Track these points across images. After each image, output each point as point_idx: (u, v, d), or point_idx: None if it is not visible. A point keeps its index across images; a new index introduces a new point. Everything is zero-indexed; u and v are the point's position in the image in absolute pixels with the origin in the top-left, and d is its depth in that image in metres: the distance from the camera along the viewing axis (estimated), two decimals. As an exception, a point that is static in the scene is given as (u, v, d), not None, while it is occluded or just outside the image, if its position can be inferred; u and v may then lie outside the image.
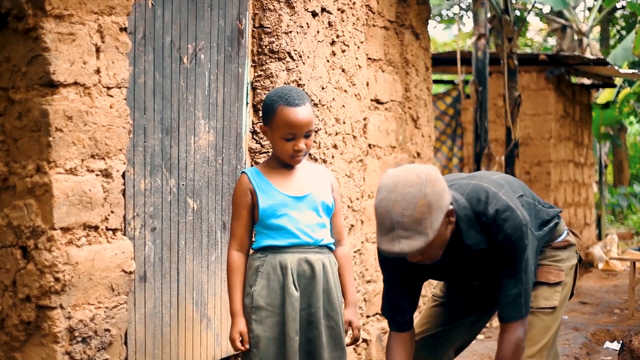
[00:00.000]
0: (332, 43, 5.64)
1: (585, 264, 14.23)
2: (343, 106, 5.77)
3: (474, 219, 3.36)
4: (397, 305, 3.65)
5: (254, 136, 4.85)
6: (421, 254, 3.20)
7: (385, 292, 3.69)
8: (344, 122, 5.78)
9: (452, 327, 3.85)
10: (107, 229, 3.53)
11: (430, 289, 6.77)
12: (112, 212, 3.54)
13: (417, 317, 3.97)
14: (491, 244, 3.37)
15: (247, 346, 3.65)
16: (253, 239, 3.79)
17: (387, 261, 3.61)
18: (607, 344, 7.94)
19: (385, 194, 3.15)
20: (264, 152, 4.81)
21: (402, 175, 3.17)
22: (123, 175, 3.64)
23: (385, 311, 3.70)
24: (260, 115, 4.77)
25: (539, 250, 3.65)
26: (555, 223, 3.75)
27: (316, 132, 5.23)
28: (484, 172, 3.68)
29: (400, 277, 3.61)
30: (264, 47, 4.89)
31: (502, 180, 3.52)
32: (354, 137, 5.94)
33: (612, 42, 24.13)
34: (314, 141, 5.21)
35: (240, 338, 3.66)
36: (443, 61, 13.00)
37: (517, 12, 18.91)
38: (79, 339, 3.38)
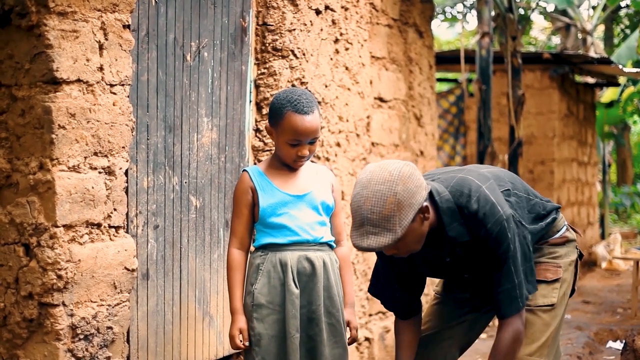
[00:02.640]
0: (336, 41, 5.64)
1: (589, 263, 14.22)
2: (346, 104, 5.77)
3: (456, 212, 3.38)
4: (387, 292, 3.71)
5: (257, 134, 4.85)
6: (396, 248, 3.27)
7: (378, 276, 3.76)
8: (347, 120, 5.78)
9: (454, 325, 3.85)
10: (110, 227, 3.53)
11: (432, 287, 6.77)
12: (114, 209, 3.54)
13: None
14: (474, 237, 3.39)
15: (247, 344, 3.65)
16: (254, 237, 3.79)
17: (381, 267, 3.68)
18: (610, 344, 7.93)
19: (359, 190, 3.22)
20: (267, 150, 4.81)
21: (376, 172, 3.23)
22: (126, 173, 3.63)
23: (373, 292, 3.77)
24: (264, 113, 4.78)
25: (534, 242, 3.63)
26: (553, 218, 3.73)
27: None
28: (473, 166, 3.71)
29: (389, 266, 3.66)
30: (267, 44, 4.89)
31: (489, 174, 3.53)
32: (357, 135, 5.93)
33: (616, 40, 24.10)
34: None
35: (240, 336, 3.66)
36: (446, 59, 12.99)
37: (521, 11, 18.89)
38: (82, 336, 3.38)
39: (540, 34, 28.36)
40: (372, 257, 6.28)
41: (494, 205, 3.36)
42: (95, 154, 3.43)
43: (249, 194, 3.70)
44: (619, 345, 7.69)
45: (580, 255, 3.85)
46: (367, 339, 6.22)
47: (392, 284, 3.69)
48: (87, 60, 3.38)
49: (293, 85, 4.99)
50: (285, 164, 3.74)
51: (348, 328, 3.86)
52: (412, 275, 3.67)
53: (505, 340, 3.44)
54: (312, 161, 3.92)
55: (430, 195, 3.36)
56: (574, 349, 7.31)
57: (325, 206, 3.77)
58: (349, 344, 3.86)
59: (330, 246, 3.81)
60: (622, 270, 13.82)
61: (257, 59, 4.89)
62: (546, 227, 3.70)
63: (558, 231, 3.76)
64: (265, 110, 4.81)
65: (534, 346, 3.59)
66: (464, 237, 3.39)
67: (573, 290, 3.79)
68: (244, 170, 3.77)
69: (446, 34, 24.43)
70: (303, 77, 5.09)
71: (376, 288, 3.78)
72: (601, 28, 24.27)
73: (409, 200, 3.16)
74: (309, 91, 3.95)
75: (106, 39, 3.47)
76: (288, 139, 3.64)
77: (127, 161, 3.60)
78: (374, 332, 6.28)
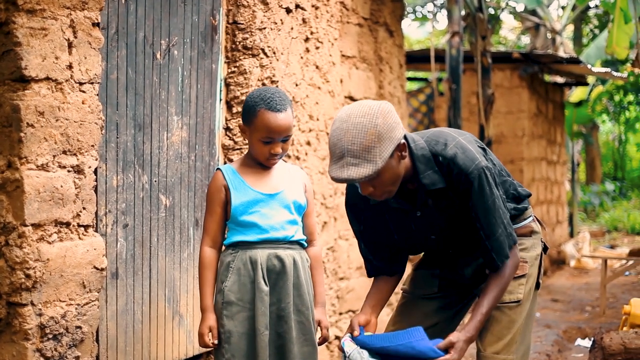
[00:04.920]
0: (306, 40, 5.64)
1: (558, 262, 14.30)
2: (317, 103, 5.77)
3: (431, 159, 3.40)
4: (364, 251, 3.74)
5: (227, 133, 4.84)
6: (372, 186, 3.30)
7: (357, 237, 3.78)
8: (317, 119, 5.78)
9: (425, 328, 3.80)
10: (79, 226, 3.51)
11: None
12: (83, 208, 3.52)
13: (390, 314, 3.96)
14: (452, 187, 3.40)
15: (215, 342, 3.66)
16: (225, 235, 3.79)
17: (350, 208, 3.65)
18: (579, 341, 7.98)
19: (338, 124, 3.25)
20: (237, 149, 4.80)
21: (355, 107, 3.27)
22: (95, 172, 3.62)
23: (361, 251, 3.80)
24: (234, 112, 4.77)
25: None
26: (524, 207, 3.73)
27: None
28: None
29: (361, 226, 3.66)
30: (237, 43, 4.88)
31: (466, 133, 3.55)
32: (328, 134, 5.94)
33: (585, 40, 24.27)
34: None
35: (210, 334, 3.66)
36: (417, 59, 13.02)
37: (491, 10, 18.96)
38: (50, 336, 3.36)
39: (509, 33, 28.50)
40: (343, 255, 6.28)
41: (472, 152, 3.38)
42: (64, 152, 3.41)
43: (222, 192, 3.71)
44: (587, 343, 7.74)
45: (545, 249, 3.82)
46: (337, 337, 6.23)
47: (365, 241, 3.70)
48: (56, 58, 3.36)
49: (263, 84, 4.99)
50: (258, 162, 3.75)
51: (319, 327, 3.86)
52: (381, 236, 3.66)
53: (509, 273, 3.48)
54: (284, 160, 3.93)
55: (406, 140, 3.38)
56: (543, 347, 7.36)
57: (297, 205, 3.78)
58: (321, 343, 3.86)
59: (302, 245, 3.82)
60: (590, 268, 13.91)
61: (227, 57, 4.89)
62: (515, 211, 3.68)
63: (525, 219, 3.74)
64: (235, 109, 4.81)
65: (501, 344, 3.57)
66: (438, 184, 3.40)
67: (538, 285, 3.75)
68: (218, 168, 3.77)
69: (416, 33, 24.51)
70: (273, 75, 5.09)
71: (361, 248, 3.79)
72: (570, 28, 24.42)
73: (388, 133, 3.20)
74: (282, 90, 3.95)
75: (75, 37, 3.45)
76: (261, 136, 3.65)
77: (96, 160, 3.58)
78: (345, 330, 6.29)
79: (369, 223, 3.64)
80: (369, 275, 3.78)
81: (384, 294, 3.72)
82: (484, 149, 3.53)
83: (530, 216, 3.77)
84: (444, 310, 3.79)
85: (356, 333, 3.52)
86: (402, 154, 3.31)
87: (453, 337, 3.40)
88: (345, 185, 3.72)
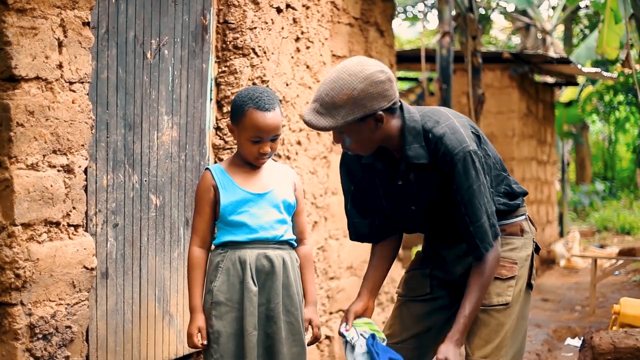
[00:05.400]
0: (297, 39, 5.64)
1: (548, 261, 14.33)
2: (307, 103, 5.77)
3: (420, 133, 3.41)
4: (350, 212, 3.75)
5: (218, 132, 4.84)
6: (339, 139, 3.40)
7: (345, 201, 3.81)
8: (308, 119, 5.77)
9: (419, 333, 3.77)
10: (69, 225, 3.51)
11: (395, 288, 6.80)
12: (73, 208, 3.51)
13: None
14: (434, 163, 3.41)
15: (204, 342, 3.65)
16: (215, 235, 3.79)
17: (344, 166, 3.70)
18: (569, 341, 8.00)
19: (333, 70, 3.34)
20: (228, 149, 4.80)
21: (354, 63, 3.34)
22: (85, 171, 3.61)
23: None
24: (224, 111, 4.77)
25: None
26: (516, 204, 3.68)
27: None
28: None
29: (352, 185, 3.69)
30: (228, 43, 4.88)
31: (464, 117, 3.56)
32: (318, 133, 5.94)
33: (575, 40, 24.32)
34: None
35: (199, 334, 3.65)
36: (407, 58, 13.04)
37: (482, 11, 18.97)
38: (40, 335, 3.35)
39: (500, 33, 28.54)
40: (333, 255, 6.29)
41: (462, 135, 3.38)
42: (54, 152, 3.40)
43: (211, 192, 3.70)
44: (577, 342, 7.76)
45: (537, 249, 3.77)
46: (327, 337, 6.23)
47: (355, 205, 3.71)
48: (46, 57, 3.36)
49: (254, 84, 4.98)
50: (247, 162, 3.74)
51: (310, 326, 3.86)
52: (370, 197, 3.66)
53: (489, 270, 3.46)
54: (273, 160, 3.92)
55: (402, 111, 3.42)
56: (533, 346, 7.38)
57: (286, 205, 3.77)
58: (312, 342, 3.86)
59: (291, 245, 3.81)
60: (580, 268, 13.95)
61: (217, 57, 4.88)
62: (505, 207, 3.63)
63: (516, 217, 3.69)
64: (225, 109, 4.81)
65: (489, 348, 3.53)
66: (422, 159, 3.41)
67: (531, 285, 3.70)
68: (207, 168, 3.77)
69: (407, 33, 24.51)
70: (264, 75, 5.09)
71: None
72: (561, 28, 24.48)
73: (363, 101, 3.26)
74: (271, 90, 3.95)
75: (65, 37, 3.44)
76: (250, 136, 3.65)
77: (86, 159, 3.58)
78: (335, 330, 6.29)
79: (360, 183, 3.65)
80: (352, 238, 3.80)
81: (381, 275, 3.74)
82: (478, 137, 3.51)
83: (522, 215, 3.72)
84: (438, 312, 3.74)
85: (349, 327, 3.54)
86: (377, 125, 3.34)
87: (441, 353, 3.39)
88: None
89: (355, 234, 3.77)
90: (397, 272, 7.31)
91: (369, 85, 3.26)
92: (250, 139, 3.65)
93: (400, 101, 3.44)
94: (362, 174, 3.62)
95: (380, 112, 3.32)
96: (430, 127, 3.41)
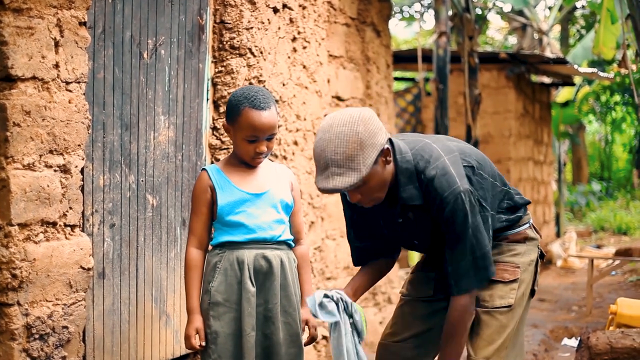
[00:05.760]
0: (293, 39, 5.64)
1: (544, 262, 14.34)
2: (304, 103, 5.77)
3: (414, 175, 3.42)
4: (352, 239, 3.76)
5: (214, 132, 4.84)
6: (360, 193, 3.34)
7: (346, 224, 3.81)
8: (304, 119, 5.78)
9: (420, 333, 3.78)
10: (66, 225, 3.50)
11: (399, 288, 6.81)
12: (70, 208, 3.51)
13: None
14: (430, 206, 3.41)
15: (202, 344, 3.65)
16: (212, 235, 3.78)
17: (345, 196, 3.67)
18: (565, 341, 7.99)
19: (321, 135, 3.30)
20: (224, 149, 4.80)
21: (336, 117, 3.31)
22: (82, 171, 3.61)
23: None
24: (221, 111, 4.77)
25: (493, 230, 3.60)
26: (518, 216, 3.69)
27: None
28: (445, 137, 3.70)
29: (354, 214, 3.70)
30: (224, 42, 4.88)
31: (455, 148, 3.53)
32: (315, 134, 5.94)
33: (571, 41, 24.33)
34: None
35: (196, 336, 3.65)
36: (404, 59, 13.03)
37: (478, 11, 18.99)
38: (37, 336, 3.35)
39: (496, 33, 28.53)
40: (330, 255, 6.28)
41: (452, 176, 3.37)
42: (51, 152, 3.40)
43: (208, 193, 3.70)
44: (574, 342, 7.75)
45: (542, 255, 3.79)
46: (324, 337, 6.22)
47: (354, 230, 3.73)
48: (43, 57, 3.35)
49: (250, 84, 4.98)
50: (243, 162, 3.74)
51: (307, 326, 3.86)
52: (371, 227, 3.67)
53: (453, 316, 3.47)
54: (270, 160, 3.92)
55: (393, 152, 3.42)
56: (530, 347, 7.37)
57: (284, 204, 3.77)
58: (309, 342, 3.86)
59: (289, 245, 3.81)
60: (577, 268, 13.94)
61: (214, 57, 4.88)
62: (507, 222, 3.66)
63: (519, 227, 3.71)
64: (222, 109, 4.80)
65: (491, 349, 3.56)
66: (416, 200, 3.42)
67: (534, 291, 3.72)
68: (203, 168, 3.76)
69: (404, 33, 24.55)
70: (260, 75, 5.09)
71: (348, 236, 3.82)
72: (557, 28, 24.49)
73: (370, 140, 3.24)
74: (267, 89, 3.95)
75: (62, 36, 3.44)
76: (246, 135, 3.64)
77: (83, 159, 3.57)
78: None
79: (361, 212, 3.65)
80: (355, 264, 3.80)
81: (368, 280, 3.74)
82: (472, 167, 3.50)
83: (526, 223, 3.74)
84: (440, 313, 3.73)
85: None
86: (386, 159, 3.35)
87: None
88: None
89: (360, 260, 3.78)
90: (394, 272, 7.30)
91: (366, 123, 3.26)
92: (246, 138, 3.65)
93: (389, 137, 3.44)
94: (362, 208, 3.61)
95: (386, 146, 3.33)
96: (423, 168, 3.41)
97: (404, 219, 3.53)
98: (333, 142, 3.23)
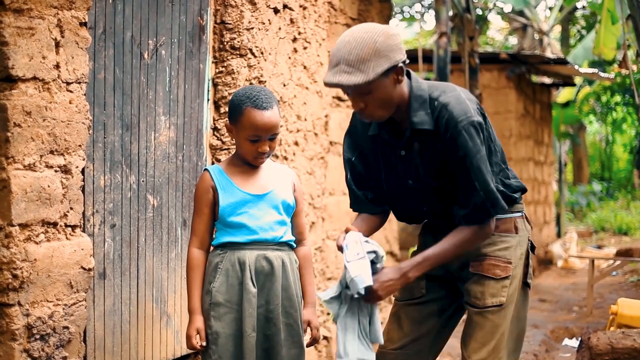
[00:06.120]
0: (294, 40, 5.64)
1: (545, 262, 14.33)
2: (304, 103, 5.77)
3: (427, 101, 3.43)
4: (349, 181, 3.74)
5: (215, 133, 4.84)
6: (364, 102, 3.36)
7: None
8: (305, 119, 5.78)
9: (418, 337, 3.75)
10: (66, 226, 3.50)
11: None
12: (71, 208, 3.51)
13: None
14: (437, 131, 3.40)
15: (203, 344, 3.64)
16: (214, 236, 3.78)
17: (350, 134, 3.69)
18: (566, 341, 8.00)
19: (342, 37, 3.34)
20: (225, 149, 4.80)
21: (362, 25, 3.38)
22: (82, 172, 3.61)
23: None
24: (222, 112, 4.77)
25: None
26: (513, 197, 3.61)
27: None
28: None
29: (354, 155, 3.68)
30: (225, 43, 4.88)
31: (472, 96, 3.55)
32: (315, 134, 5.94)
33: (572, 41, 24.32)
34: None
35: (197, 336, 3.64)
36: (404, 59, 13.01)
37: (479, 11, 18.99)
38: (37, 336, 3.35)
39: (497, 34, 28.54)
40: (331, 255, 6.28)
41: (467, 106, 3.38)
42: (52, 152, 3.40)
43: (210, 193, 3.69)
44: (574, 342, 7.75)
45: (532, 248, 3.69)
46: (325, 337, 6.23)
47: (353, 177, 3.71)
48: (43, 57, 3.35)
49: (251, 84, 4.98)
50: (246, 162, 3.73)
51: (309, 328, 3.85)
52: (370, 169, 3.66)
53: (481, 236, 3.47)
54: (272, 160, 3.92)
55: (409, 79, 3.46)
56: (531, 347, 7.38)
57: (286, 205, 3.76)
58: (311, 344, 3.85)
59: (290, 246, 3.80)
60: (577, 268, 13.95)
61: (215, 57, 4.88)
62: (504, 197, 3.54)
63: (511, 213, 3.61)
64: (223, 109, 4.80)
65: (485, 351, 3.50)
66: (426, 125, 3.41)
67: (528, 285, 3.64)
68: (205, 169, 3.76)
69: (404, 33, 24.51)
70: (261, 75, 5.09)
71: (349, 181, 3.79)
72: (558, 29, 24.47)
73: (386, 52, 3.27)
74: (268, 89, 3.95)
75: (62, 37, 3.44)
76: (248, 135, 3.64)
77: (83, 160, 3.57)
78: (333, 331, 6.28)
79: (362, 154, 3.64)
80: (352, 208, 3.78)
81: (367, 227, 3.68)
82: (484, 116, 3.49)
83: (518, 212, 3.65)
84: (435, 316, 3.72)
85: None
86: (398, 78, 3.37)
87: (383, 275, 3.44)
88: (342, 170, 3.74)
89: (358, 204, 3.75)
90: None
91: (387, 37, 3.29)
92: (249, 138, 3.64)
93: (408, 69, 3.47)
94: (366, 144, 3.61)
95: (401, 65, 3.34)
96: (437, 96, 3.43)
97: (407, 151, 3.50)
98: (350, 44, 3.28)
